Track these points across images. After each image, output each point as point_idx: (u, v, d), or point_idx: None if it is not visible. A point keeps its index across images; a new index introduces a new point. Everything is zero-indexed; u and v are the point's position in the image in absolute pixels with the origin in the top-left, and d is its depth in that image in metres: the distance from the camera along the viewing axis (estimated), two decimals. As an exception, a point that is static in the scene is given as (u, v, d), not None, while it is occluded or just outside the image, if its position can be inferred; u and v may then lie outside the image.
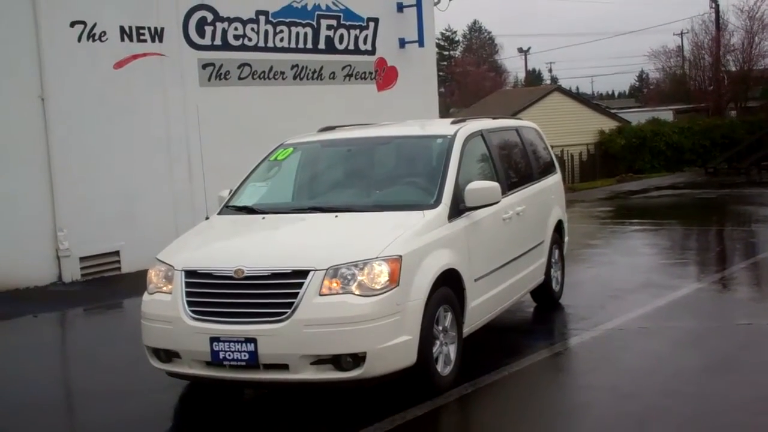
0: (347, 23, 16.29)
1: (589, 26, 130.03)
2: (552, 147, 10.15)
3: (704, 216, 18.66)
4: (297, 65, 15.49)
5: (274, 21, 15.07)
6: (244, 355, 5.83)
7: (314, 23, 15.71)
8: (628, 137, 33.29)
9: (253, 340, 5.80)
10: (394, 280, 5.89)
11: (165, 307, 6.17)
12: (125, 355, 7.69)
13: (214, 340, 5.90)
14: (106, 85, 12.73)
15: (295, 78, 15.49)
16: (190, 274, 6.15)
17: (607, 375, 6.86)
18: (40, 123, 12.08)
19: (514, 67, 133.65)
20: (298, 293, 5.78)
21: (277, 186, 7.57)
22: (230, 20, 14.42)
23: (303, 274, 5.83)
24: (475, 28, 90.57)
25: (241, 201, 7.34)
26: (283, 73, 15.27)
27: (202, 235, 6.87)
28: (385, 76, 17.12)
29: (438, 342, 6.34)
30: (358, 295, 5.80)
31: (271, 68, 15.06)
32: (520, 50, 67.60)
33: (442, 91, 77.80)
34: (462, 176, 7.01)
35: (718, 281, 10.47)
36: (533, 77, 79.83)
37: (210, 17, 14.14)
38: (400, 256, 5.95)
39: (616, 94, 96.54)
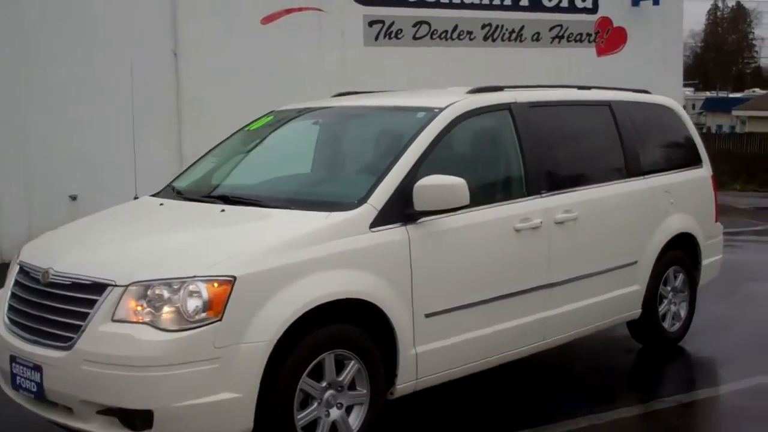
0: (560, -25, 13.92)
1: None
2: None
3: None
4: (489, 24, 13.47)
5: (464, -27, 13.18)
6: (33, 386, 4.40)
7: (516, -25, 13.57)
8: None
9: (39, 369, 4.34)
10: (216, 310, 4.08)
11: (-5, 308, 4.91)
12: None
13: (12, 359, 4.53)
14: (249, 41, 11.73)
15: (485, 39, 13.48)
16: (21, 269, 4.82)
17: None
18: (172, 80, 11.38)
19: None
20: (89, 314, 4.21)
21: (227, 162, 5.92)
22: (408, -28, 12.79)
23: (101, 288, 4.23)
24: None
25: (181, 180, 5.84)
26: (470, 33, 13.33)
27: (84, 223, 5.46)
28: (609, 38, 14.48)
29: (315, 403, 4.43)
30: (157, 327, 4.08)
31: (455, 27, 13.20)
32: None
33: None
34: (434, 168, 4.90)
35: None
36: None
37: (383, -32, 12.62)
38: (233, 278, 4.12)
39: None
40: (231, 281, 4.11)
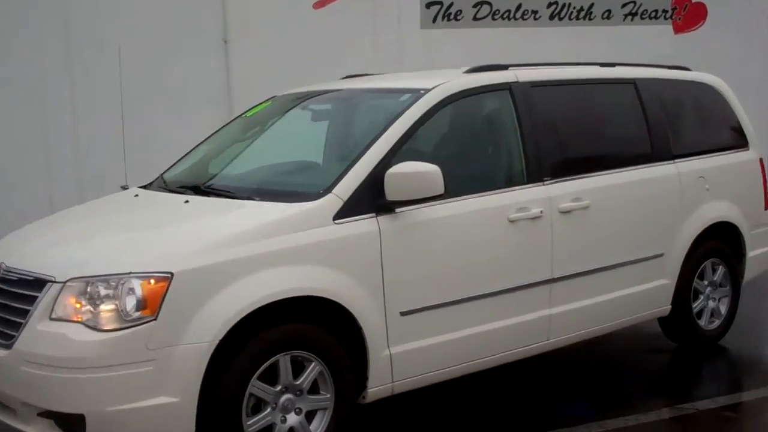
0: (632, -51, 13.15)
1: None
2: None
3: None
4: (555, 3, 12.81)
5: (527, -51, 12.58)
6: (-19, 385, 4.28)
7: (584, -50, 12.88)
8: None
9: (-15, 367, 4.22)
10: (152, 309, 3.85)
11: (-36, 304, 4.81)
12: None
13: (-33, 357, 4.42)
14: (301, 27, 11.45)
15: (552, 18, 12.82)
16: (-11, 263, 4.72)
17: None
18: (222, 68, 11.23)
19: None
20: (29, 311, 4.04)
21: (219, 150, 5.67)
22: (467, -50, 12.29)
23: (42, 284, 4.05)
24: None
25: (172, 169, 5.65)
26: (535, 12, 12.70)
27: (56, 216, 5.34)
28: (686, 14, 13.58)
29: (269, 409, 4.15)
30: (92, 327, 3.87)
31: (518, 6, 12.60)
32: None
33: None
34: (415, 155, 4.56)
35: None
36: None
37: (440, -53, 12.17)
38: (171, 274, 3.87)
39: None
40: (168, 278, 3.87)
